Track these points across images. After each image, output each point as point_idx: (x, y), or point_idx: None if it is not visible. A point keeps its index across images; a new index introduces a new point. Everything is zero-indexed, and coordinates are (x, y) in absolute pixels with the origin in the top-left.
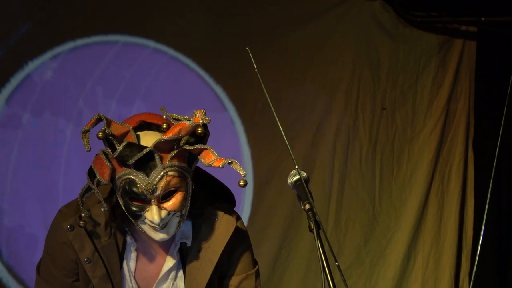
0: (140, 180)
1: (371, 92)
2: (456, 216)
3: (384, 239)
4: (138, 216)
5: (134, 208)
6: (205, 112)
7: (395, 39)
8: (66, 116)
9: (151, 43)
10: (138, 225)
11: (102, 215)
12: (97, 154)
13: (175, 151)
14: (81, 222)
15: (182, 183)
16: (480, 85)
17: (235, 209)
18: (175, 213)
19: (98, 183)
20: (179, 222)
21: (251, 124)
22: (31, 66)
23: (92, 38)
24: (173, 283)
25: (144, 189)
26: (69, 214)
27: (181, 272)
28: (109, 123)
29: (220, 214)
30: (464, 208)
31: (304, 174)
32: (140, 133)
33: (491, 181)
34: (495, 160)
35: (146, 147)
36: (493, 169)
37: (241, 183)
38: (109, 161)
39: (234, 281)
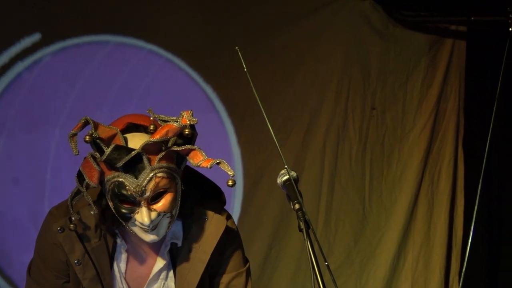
0: (129, 183)
1: (361, 91)
2: (446, 215)
3: (374, 239)
4: (128, 218)
5: (124, 211)
6: (192, 113)
7: (385, 39)
8: (56, 116)
9: (141, 43)
10: (128, 227)
11: (92, 217)
12: (85, 158)
13: (163, 153)
14: (71, 225)
15: (171, 184)
16: (470, 84)
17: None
18: (165, 214)
19: (87, 186)
20: (170, 223)
21: (241, 124)
22: (21, 65)
23: (82, 38)
24: (164, 283)
25: (133, 191)
26: (59, 215)
27: (171, 273)
28: (96, 126)
29: (210, 214)
30: (454, 207)
31: (293, 173)
32: (128, 135)
33: (481, 180)
34: (485, 160)
35: (134, 150)
36: (483, 169)
37: (230, 183)
38: (98, 164)
39: (225, 279)
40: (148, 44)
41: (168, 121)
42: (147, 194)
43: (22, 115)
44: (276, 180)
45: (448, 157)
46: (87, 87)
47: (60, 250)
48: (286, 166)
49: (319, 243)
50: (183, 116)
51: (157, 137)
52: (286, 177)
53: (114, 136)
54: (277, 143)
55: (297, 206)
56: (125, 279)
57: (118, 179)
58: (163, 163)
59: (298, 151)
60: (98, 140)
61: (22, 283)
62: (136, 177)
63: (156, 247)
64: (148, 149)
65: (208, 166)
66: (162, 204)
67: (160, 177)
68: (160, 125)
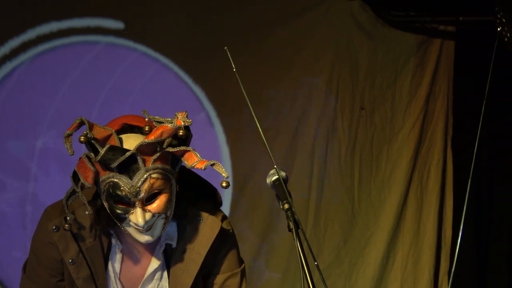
0: (124, 183)
1: (350, 91)
2: (435, 215)
3: (363, 239)
4: (123, 218)
5: (118, 211)
6: (187, 114)
7: (373, 39)
8: (44, 116)
9: (130, 44)
10: (123, 227)
11: (87, 217)
12: (80, 158)
13: (158, 154)
14: (66, 225)
15: (166, 185)
16: (458, 84)
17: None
18: (159, 215)
19: (82, 187)
20: (164, 224)
21: (230, 124)
22: (9, 65)
23: (71, 38)
24: (158, 284)
25: (128, 192)
26: (54, 214)
27: (166, 273)
28: (91, 126)
29: (205, 215)
30: (443, 207)
31: (282, 173)
32: (123, 136)
33: (470, 180)
34: (474, 159)
35: (128, 150)
36: (472, 169)
37: (224, 184)
38: (92, 165)
39: (219, 279)
40: (136, 45)
41: (163, 122)
42: (142, 195)
43: (10, 115)
44: (266, 180)
45: (437, 156)
46: (75, 88)
47: (55, 248)
48: (275, 166)
49: (308, 242)
50: (177, 117)
51: (151, 138)
52: (275, 177)
53: (109, 136)
54: (266, 142)
55: (286, 206)
56: (119, 279)
57: (112, 179)
58: (158, 164)
59: (287, 150)
60: (93, 141)
61: (10, 283)
62: (131, 178)
63: (151, 247)
64: (143, 150)
65: (203, 168)
66: (156, 205)
67: (154, 178)
68: (155, 126)
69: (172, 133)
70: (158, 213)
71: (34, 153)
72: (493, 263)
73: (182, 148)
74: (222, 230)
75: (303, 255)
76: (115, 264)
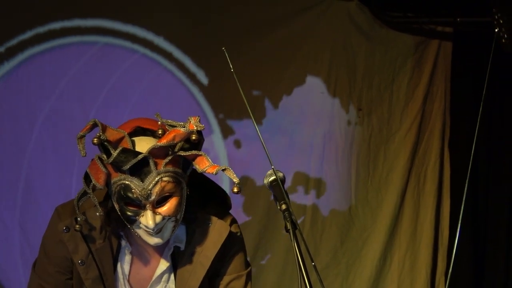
0: (135, 186)
1: (347, 92)
2: (432, 216)
3: (360, 240)
4: (133, 220)
5: (129, 213)
6: (199, 119)
7: (371, 40)
8: (41, 117)
9: (128, 44)
10: (133, 229)
11: (98, 218)
12: (92, 159)
13: (169, 157)
14: (77, 226)
15: (177, 188)
16: (455, 85)
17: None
18: (169, 218)
19: (94, 188)
20: (174, 227)
21: (227, 124)
22: (7, 66)
23: (70, 39)
24: (165, 286)
25: (139, 194)
26: (64, 215)
27: (173, 275)
28: (104, 128)
29: (214, 219)
30: (440, 208)
31: (280, 174)
32: (135, 139)
33: (467, 181)
34: (471, 161)
35: (140, 153)
36: (469, 170)
37: (235, 190)
38: (104, 167)
39: (224, 280)
40: (134, 45)
41: (175, 126)
42: (153, 197)
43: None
44: (263, 180)
45: (434, 157)
46: (74, 88)
47: (65, 247)
48: (273, 167)
49: (305, 243)
50: (190, 121)
51: (164, 141)
52: (273, 178)
53: (121, 139)
54: (264, 143)
55: (283, 206)
56: (128, 280)
57: (124, 181)
58: (169, 168)
59: (285, 151)
60: (105, 143)
61: (8, 283)
62: (142, 181)
63: (159, 249)
64: (155, 153)
65: (214, 173)
66: (167, 208)
67: (166, 181)
68: (168, 130)
69: (185, 137)
70: (168, 216)
71: (31, 153)
72: (490, 264)
73: (194, 152)
74: (230, 234)
75: (300, 256)
76: (124, 266)
